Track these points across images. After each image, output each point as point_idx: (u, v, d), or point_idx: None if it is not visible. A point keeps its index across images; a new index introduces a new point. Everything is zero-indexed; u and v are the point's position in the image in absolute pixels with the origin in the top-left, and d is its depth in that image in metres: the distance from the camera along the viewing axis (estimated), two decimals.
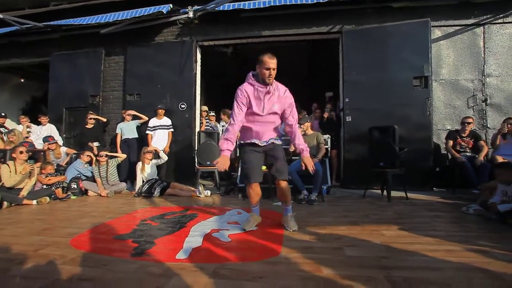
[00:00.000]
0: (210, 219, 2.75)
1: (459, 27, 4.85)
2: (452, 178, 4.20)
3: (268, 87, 2.20)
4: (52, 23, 5.69)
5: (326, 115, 5.26)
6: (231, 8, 4.93)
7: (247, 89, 2.24)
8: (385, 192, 3.95)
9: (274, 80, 2.23)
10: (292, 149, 4.12)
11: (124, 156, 5.05)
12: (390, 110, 4.60)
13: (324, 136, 4.33)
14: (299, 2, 4.66)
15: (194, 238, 2.18)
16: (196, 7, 5.32)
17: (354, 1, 4.95)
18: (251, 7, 4.85)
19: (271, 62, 2.14)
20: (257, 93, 2.22)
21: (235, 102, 2.25)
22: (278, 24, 5.30)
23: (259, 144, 2.35)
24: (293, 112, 2.38)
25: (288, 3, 4.69)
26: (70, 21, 5.53)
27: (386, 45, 4.75)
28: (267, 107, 2.25)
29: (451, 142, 4.28)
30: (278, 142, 2.44)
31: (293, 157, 4.26)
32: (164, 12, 5.19)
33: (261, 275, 1.54)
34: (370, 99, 4.76)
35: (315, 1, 4.57)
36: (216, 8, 5.04)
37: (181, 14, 5.48)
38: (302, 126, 4.08)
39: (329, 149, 4.51)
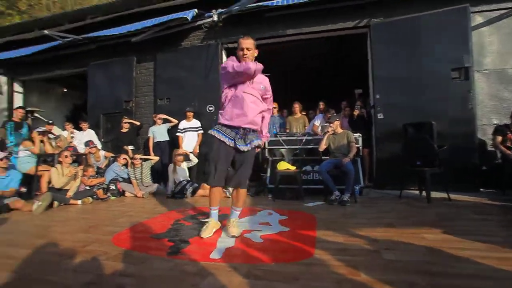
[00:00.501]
0: (241, 220, 2.77)
1: (503, 11, 4.43)
2: (501, 177, 3.84)
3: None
4: (89, 35, 6.11)
5: (356, 112, 5.08)
6: (255, 8, 4.95)
7: (230, 60, 2.23)
8: (423, 193, 3.73)
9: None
10: (321, 148, 4.05)
11: (157, 158, 5.28)
12: (425, 105, 4.34)
13: (355, 134, 4.20)
14: None
15: (227, 238, 2.22)
16: (220, 10, 5.42)
17: None
18: (275, 4, 4.83)
19: (244, 42, 2.16)
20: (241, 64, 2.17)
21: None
22: (302, 21, 5.23)
23: (233, 145, 2.22)
24: (270, 95, 2.41)
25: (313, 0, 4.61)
26: (104, 32, 5.91)
27: (419, 37, 4.48)
28: (255, 81, 2.26)
29: (499, 138, 3.90)
30: (254, 142, 2.29)
31: (322, 157, 4.18)
32: (189, 19, 5.35)
33: (296, 276, 1.53)
34: (402, 95, 4.53)
35: None
36: (240, 10, 5.10)
37: (206, 18, 5.61)
38: (331, 125, 3.99)
39: (360, 147, 4.36)
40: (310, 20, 5.18)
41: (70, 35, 6.29)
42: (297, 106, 5.56)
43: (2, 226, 2.90)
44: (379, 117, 4.69)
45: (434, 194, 3.58)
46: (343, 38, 5.72)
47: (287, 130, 5.37)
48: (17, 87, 7.79)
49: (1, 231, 2.71)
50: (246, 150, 2.25)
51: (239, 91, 2.21)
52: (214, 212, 2.41)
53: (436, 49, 4.37)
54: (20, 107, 5.91)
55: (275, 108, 5.88)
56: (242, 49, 2.16)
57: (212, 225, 2.36)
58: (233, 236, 2.22)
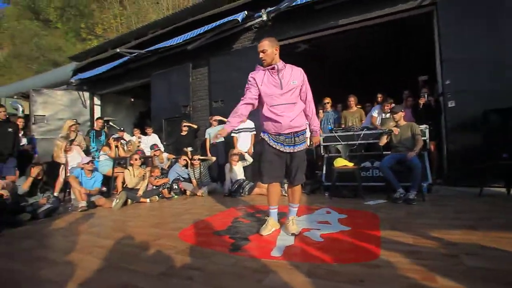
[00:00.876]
0: (299, 218, 2.73)
1: None
2: None
3: (273, 66, 2.18)
4: (151, 48, 6.74)
5: (422, 100, 4.57)
6: (304, 1, 4.84)
7: (254, 75, 2.24)
8: None
9: (282, 61, 2.22)
10: (382, 143, 3.77)
11: (214, 158, 5.56)
12: (508, 89, 3.69)
13: (421, 126, 3.80)
14: None
15: (286, 236, 2.22)
16: (269, 9, 5.44)
17: None
18: None
19: (259, 45, 2.20)
20: (267, 75, 2.20)
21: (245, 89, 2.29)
22: (356, 9, 4.92)
23: (282, 149, 2.22)
24: (307, 89, 2.29)
25: None
26: (163, 44, 6.45)
27: (500, 9, 3.84)
28: (284, 83, 2.18)
29: None
30: (303, 138, 2.26)
31: (384, 152, 3.89)
32: (239, 20, 5.50)
33: (362, 278, 1.45)
34: (478, 79, 3.94)
35: None
36: (290, 5, 5.04)
37: (255, 18, 5.69)
38: (395, 116, 3.68)
39: (427, 141, 3.92)
40: (365, 6, 4.84)
41: (135, 50, 7.05)
42: (352, 100, 5.27)
43: (90, 220, 3.39)
44: (450, 105, 4.17)
45: None
46: (404, 21, 5.22)
47: (343, 126, 5.12)
48: (96, 100, 9.04)
49: (90, 224, 3.16)
50: (294, 151, 2.24)
51: (265, 108, 2.22)
52: (273, 211, 2.41)
53: None
54: (99, 118, 6.83)
55: (328, 103, 5.67)
56: (259, 53, 2.21)
57: (271, 223, 2.38)
58: (292, 234, 2.21)
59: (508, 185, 3.38)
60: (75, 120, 6.16)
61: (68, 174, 4.71)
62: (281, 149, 2.24)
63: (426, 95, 4.51)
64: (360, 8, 4.89)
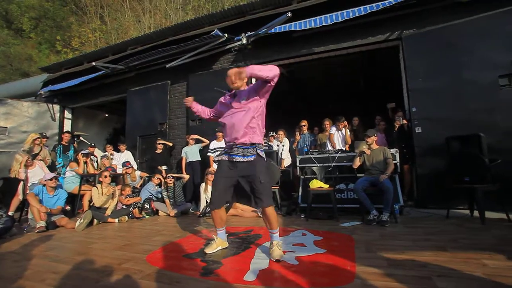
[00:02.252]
0: None
1: None
2: None
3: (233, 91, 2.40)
4: (131, 64, 6.63)
5: (398, 123, 4.81)
6: (282, 30, 5.07)
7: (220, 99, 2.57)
8: (476, 213, 3.36)
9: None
10: (355, 165, 3.87)
11: (188, 176, 5.39)
12: (468, 117, 4.01)
13: (392, 150, 3.97)
14: (351, 16, 4.52)
15: (260, 259, 2.14)
16: (249, 33, 5.63)
17: (413, 4, 4.60)
18: (302, 28, 4.89)
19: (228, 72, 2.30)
20: (226, 98, 2.48)
21: None
22: (331, 39, 5.23)
23: (235, 159, 2.26)
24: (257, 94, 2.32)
25: (340, 20, 4.59)
26: (142, 60, 6.38)
27: (458, 45, 4.23)
28: (234, 104, 2.33)
29: None
30: (255, 156, 2.25)
31: (357, 174, 3.98)
32: (224, 37, 5.57)
33: None
34: (442, 107, 4.24)
35: (368, 11, 4.40)
36: (268, 32, 5.25)
37: (235, 41, 5.84)
38: (367, 139, 3.81)
39: (397, 164, 4.09)
40: (339, 36, 5.16)
41: (113, 65, 6.89)
42: (327, 123, 5.44)
43: (48, 242, 3.07)
44: (417, 131, 4.42)
45: (489, 215, 3.20)
46: (374, 52, 5.60)
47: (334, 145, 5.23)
48: (67, 114, 8.59)
49: (48, 247, 2.86)
50: (243, 160, 2.24)
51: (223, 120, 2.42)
52: (220, 233, 2.52)
53: (479, 56, 4.08)
54: (67, 132, 6.46)
55: (304, 125, 5.81)
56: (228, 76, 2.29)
57: (217, 243, 2.47)
58: (277, 260, 2.08)
59: (470, 207, 3.55)
60: (43, 134, 5.78)
61: (28, 192, 4.32)
62: (228, 159, 2.34)
63: (400, 119, 4.75)
64: (335, 38, 5.19)
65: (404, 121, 4.70)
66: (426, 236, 2.68)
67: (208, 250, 2.38)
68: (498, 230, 2.78)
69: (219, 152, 2.47)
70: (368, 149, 3.85)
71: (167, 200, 4.85)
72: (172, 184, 5.01)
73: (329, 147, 5.06)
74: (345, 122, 5.09)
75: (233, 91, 2.40)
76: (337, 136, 5.15)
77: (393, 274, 1.74)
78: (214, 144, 5.55)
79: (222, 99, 2.55)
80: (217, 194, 2.37)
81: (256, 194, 2.23)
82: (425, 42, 4.49)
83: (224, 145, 5.32)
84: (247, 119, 2.24)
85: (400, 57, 4.84)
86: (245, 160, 2.25)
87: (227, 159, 2.34)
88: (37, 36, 22.66)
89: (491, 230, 2.76)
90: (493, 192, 3.13)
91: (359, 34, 5.03)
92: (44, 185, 4.07)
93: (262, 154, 2.32)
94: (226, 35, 5.60)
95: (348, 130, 5.12)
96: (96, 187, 4.35)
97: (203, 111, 2.77)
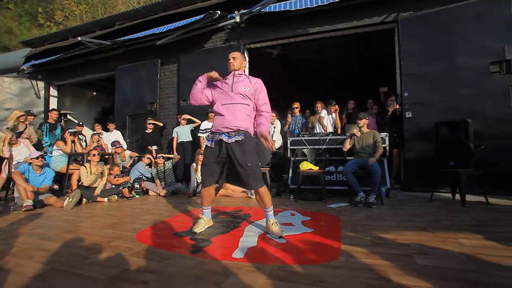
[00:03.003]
0: (263, 220, 2.72)
1: None
2: None
3: (233, 72, 2.44)
4: (117, 40, 6.37)
5: (391, 108, 4.83)
6: (277, 9, 4.91)
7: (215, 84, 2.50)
8: (457, 196, 3.48)
9: (245, 74, 2.50)
10: (345, 148, 3.92)
11: (178, 156, 5.37)
12: (458, 103, 4.07)
13: (381, 134, 4.02)
14: None
15: (248, 238, 2.18)
16: (242, 11, 5.44)
17: None
18: (297, 7, 4.75)
19: (230, 54, 2.49)
20: (224, 82, 2.45)
21: None
22: (326, 19, 5.10)
23: (225, 140, 2.30)
24: (263, 99, 2.42)
25: (336, 0, 4.47)
26: (131, 36, 6.13)
27: (453, 30, 4.21)
28: (235, 87, 2.36)
29: None
30: (243, 136, 2.29)
31: (347, 157, 4.03)
32: (217, 15, 5.40)
33: (321, 279, 1.45)
34: (433, 92, 4.28)
35: None
36: (262, 10, 5.08)
37: (228, 19, 5.65)
38: (359, 122, 3.84)
39: (387, 148, 4.16)
40: (334, 17, 5.04)
41: (100, 40, 6.60)
42: (319, 105, 5.45)
43: (36, 220, 3.05)
44: (407, 116, 4.46)
45: (470, 198, 3.33)
46: (369, 35, 5.52)
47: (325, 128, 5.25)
48: (53, 91, 8.29)
49: (35, 225, 2.85)
50: (231, 141, 2.28)
51: (217, 106, 2.40)
52: (206, 211, 2.57)
53: (472, 42, 4.08)
54: (53, 109, 6.26)
55: (296, 108, 5.80)
56: (229, 59, 2.46)
57: (205, 221, 2.52)
58: (280, 237, 2.16)
59: (453, 191, 3.68)
60: (31, 111, 5.59)
61: (13, 170, 4.23)
62: (213, 146, 2.39)
63: (394, 103, 4.78)
64: (331, 19, 5.08)
65: (397, 106, 4.74)
66: (410, 217, 2.78)
67: (197, 229, 2.42)
68: (477, 212, 2.90)
69: (207, 135, 2.50)
70: (358, 131, 3.89)
71: (157, 181, 4.85)
72: (162, 164, 4.99)
73: (318, 130, 5.09)
74: (336, 106, 5.10)
75: (227, 77, 2.45)
76: (327, 120, 5.18)
77: (377, 252, 1.81)
78: (205, 125, 5.49)
79: (218, 84, 2.46)
80: (207, 174, 2.42)
81: (244, 178, 2.27)
82: (421, 25, 4.44)
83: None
84: (247, 111, 2.36)
85: (395, 40, 4.79)
86: (233, 141, 2.29)
87: (216, 139, 2.35)
88: (17, 7, 21.40)
89: (470, 212, 2.89)
90: (476, 176, 3.23)
91: (355, 15, 4.93)
92: (30, 163, 3.99)
93: (249, 133, 2.35)
94: (219, 12, 5.40)
95: (338, 115, 5.14)
96: (85, 166, 4.29)
97: (201, 97, 2.49)
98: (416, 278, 1.42)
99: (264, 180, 3.51)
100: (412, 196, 3.97)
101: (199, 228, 2.44)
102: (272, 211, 2.35)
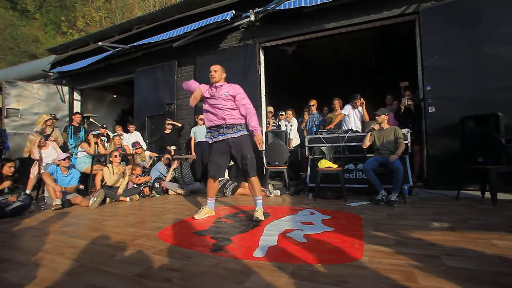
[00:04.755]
0: (283, 219, 2.72)
1: None
2: None
3: (214, 84, 2.90)
4: (135, 44, 6.54)
5: (402, 104, 4.69)
6: (292, 6, 4.86)
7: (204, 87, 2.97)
8: (487, 194, 3.31)
9: (224, 83, 2.94)
10: (365, 145, 3.82)
11: (192, 156, 5.45)
12: (487, 96, 3.86)
13: (403, 130, 3.89)
14: None
15: (269, 237, 2.18)
16: (257, 9, 5.42)
17: None
18: (313, 3, 4.68)
19: (211, 67, 2.93)
20: (209, 89, 2.93)
21: None
22: (343, 14, 4.99)
23: (226, 137, 2.81)
24: (242, 96, 2.87)
25: None
26: (148, 40, 6.28)
27: (479, 18, 4.00)
28: (217, 95, 2.85)
29: None
30: (241, 133, 2.82)
31: (367, 155, 3.94)
32: (228, 19, 5.45)
33: (345, 279, 1.42)
34: (458, 85, 4.09)
35: None
36: (277, 8, 5.05)
37: (243, 18, 5.65)
38: (377, 118, 3.74)
39: (409, 144, 4.02)
40: (351, 12, 4.92)
41: (119, 45, 6.82)
42: (337, 102, 5.34)
43: (65, 219, 3.21)
44: (430, 111, 4.29)
45: (501, 196, 3.15)
46: (389, 28, 5.35)
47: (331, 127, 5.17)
48: (76, 95, 8.66)
49: (64, 223, 2.99)
50: (231, 136, 2.80)
51: (206, 106, 2.94)
52: (210, 202, 3.02)
53: (502, 31, 3.86)
54: (77, 113, 6.54)
55: (313, 105, 5.72)
56: (210, 71, 2.89)
57: (205, 211, 2.95)
58: (258, 219, 2.64)
59: (482, 189, 3.51)
60: (53, 115, 5.87)
61: (42, 171, 4.46)
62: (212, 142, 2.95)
63: (406, 100, 4.62)
64: (347, 13, 4.96)
65: (410, 102, 4.58)
66: (435, 216, 2.66)
67: (197, 216, 2.84)
68: (510, 211, 2.74)
69: (206, 134, 3.01)
70: (378, 129, 3.79)
71: (168, 176, 4.99)
72: (178, 165, 5.09)
73: (346, 127, 4.98)
74: (362, 99, 4.99)
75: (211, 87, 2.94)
76: (353, 115, 5.06)
77: (401, 253, 1.75)
78: None
79: (205, 88, 2.94)
80: (214, 167, 2.86)
81: (244, 167, 2.77)
82: (444, 15, 4.25)
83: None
84: (228, 105, 2.83)
85: (416, 32, 4.61)
86: (233, 136, 2.79)
87: (218, 139, 2.84)
88: (42, 17, 22.50)
89: (502, 211, 2.73)
90: (507, 173, 3.06)
91: (373, 8, 4.78)
92: (58, 165, 4.19)
93: (245, 131, 2.86)
94: (233, 12, 5.42)
95: (365, 108, 5.02)
96: (107, 167, 4.45)
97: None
98: (446, 280, 1.36)
99: (281, 178, 3.83)
100: (436, 194, 3.81)
101: (199, 216, 2.86)
102: (261, 199, 2.84)
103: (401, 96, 5.19)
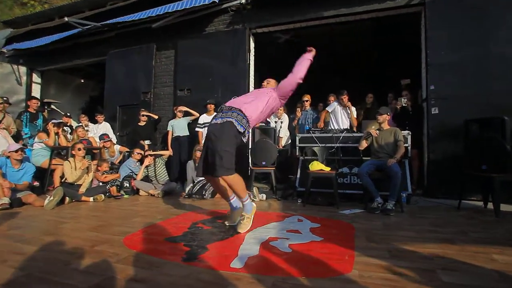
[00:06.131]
0: (267, 226, 2.71)
1: None
2: None
3: None
4: (109, 21, 6.37)
5: (399, 105, 4.77)
6: None
7: None
8: (490, 205, 3.41)
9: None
10: (361, 147, 3.86)
11: (168, 153, 5.38)
12: (493, 98, 4.00)
13: (403, 132, 3.95)
14: None
15: (250, 245, 2.16)
16: None
17: None
18: None
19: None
20: None
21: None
22: (343, 1, 5.03)
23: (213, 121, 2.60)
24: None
25: None
26: (124, 18, 6.13)
27: (488, 13, 4.12)
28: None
29: None
30: (228, 120, 2.49)
31: (363, 158, 3.98)
32: (216, 1, 5.38)
33: None
34: (464, 85, 4.20)
35: None
36: None
37: (232, 0, 5.60)
38: (379, 117, 3.79)
39: (409, 148, 4.10)
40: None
41: (89, 22, 6.61)
42: (332, 98, 5.38)
43: (13, 220, 3.07)
44: (433, 112, 4.39)
45: (504, 207, 3.26)
46: (391, 20, 5.42)
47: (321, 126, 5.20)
48: (35, 77, 8.35)
49: (12, 225, 2.86)
50: (218, 122, 2.52)
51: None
52: (233, 200, 2.80)
53: (511, 28, 3.98)
54: (34, 97, 6.28)
55: (307, 101, 5.74)
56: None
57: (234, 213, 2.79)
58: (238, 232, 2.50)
59: (485, 198, 3.61)
60: (5, 98, 5.62)
61: None
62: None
63: (402, 100, 4.70)
64: (347, 1, 5.00)
65: (407, 102, 4.66)
66: (433, 227, 2.72)
67: (241, 230, 2.54)
68: None
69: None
70: (377, 130, 3.83)
71: (138, 175, 4.92)
72: (151, 162, 5.00)
73: (333, 126, 5.03)
74: (347, 96, 5.01)
75: None
76: (341, 113, 5.10)
77: (395, 266, 1.76)
78: (203, 118, 5.49)
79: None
80: (200, 163, 2.67)
81: (216, 162, 2.39)
82: (452, 8, 4.37)
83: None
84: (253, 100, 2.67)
85: (422, 26, 4.70)
86: (218, 122, 2.52)
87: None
88: None
89: (504, 224, 2.82)
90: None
91: None
92: (8, 157, 4.01)
93: (237, 124, 2.47)
94: None
95: (353, 108, 5.07)
96: (69, 161, 4.31)
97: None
98: None
99: (268, 181, 3.74)
100: (436, 203, 3.91)
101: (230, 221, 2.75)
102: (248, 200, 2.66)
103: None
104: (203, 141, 5.22)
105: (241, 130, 2.47)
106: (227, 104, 2.66)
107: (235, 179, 2.48)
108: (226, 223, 2.75)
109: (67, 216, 3.30)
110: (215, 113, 5.28)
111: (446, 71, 4.34)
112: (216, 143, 2.43)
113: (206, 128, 5.37)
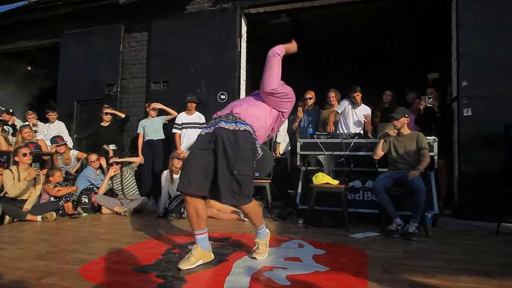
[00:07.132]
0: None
1: None
2: None
3: None
4: None
5: (423, 104, 4.83)
6: None
7: None
8: None
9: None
10: (377, 155, 3.91)
11: (138, 160, 5.38)
12: None
13: (428, 138, 4.00)
14: None
15: (238, 276, 2.16)
16: None
17: None
18: None
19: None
20: None
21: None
22: None
23: (218, 125, 2.38)
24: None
25: None
26: None
27: None
28: None
29: None
30: (243, 127, 2.36)
31: (379, 169, 4.03)
32: None
33: None
34: (505, 81, 4.29)
35: None
36: None
37: None
38: (396, 123, 3.83)
39: (435, 158, 4.15)
40: None
41: None
42: (333, 96, 5.42)
43: None
44: (465, 114, 4.46)
45: None
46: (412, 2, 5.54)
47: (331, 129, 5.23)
48: None
49: None
50: (225, 127, 2.35)
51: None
52: (200, 237, 2.47)
53: None
54: None
55: (310, 98, 5.78)
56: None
57: (196, 254, 2.38)
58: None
59: None
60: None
61: None
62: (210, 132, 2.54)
63: (427, 98, 4.75)
64: None
65: (433, 102, 4.73)
66: (466, 256, 2.76)
67: (183, 266, 2.28)
68: None
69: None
70: (394, 131, 3.89)
71: (101, 189, 4.93)
72: (118, 172, 4.98)
73: (342, 130, 5.07)
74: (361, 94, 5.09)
75: None
76: (352, 115, 5.13)
77: None
78: (182, 118, 5.49)
79: None
80: (193, 171, 2.35)
81: (232, 187, 2.28)
82: None
83: (195, 120, 5.30)
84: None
85: (452, 8, 4.79)
86: (229, 127, 2.34)
87: (210, 131, 2.43)
88: None
89: None
90: None
91: None
92: None
93: (253, 135, 2.38)
94: None
95: (367, 108, 5.13)
96: (10, 170, 4.27)
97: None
98: None
99: (263, 198, 3.60)
100: (469, 226, 3.95)
101: (187, 265, 2.29)
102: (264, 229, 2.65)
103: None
104: (181, 146, 5.30)
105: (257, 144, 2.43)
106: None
107: (254, 206, 2.50)
108: (180, 266, 2.29)
109: (6, 240, 3.26)
110: (198, 114, 5.34)
111: (482, 64, 4.42)
112: (230, 162, 2.26)
113: (188, 129, 5.39)
